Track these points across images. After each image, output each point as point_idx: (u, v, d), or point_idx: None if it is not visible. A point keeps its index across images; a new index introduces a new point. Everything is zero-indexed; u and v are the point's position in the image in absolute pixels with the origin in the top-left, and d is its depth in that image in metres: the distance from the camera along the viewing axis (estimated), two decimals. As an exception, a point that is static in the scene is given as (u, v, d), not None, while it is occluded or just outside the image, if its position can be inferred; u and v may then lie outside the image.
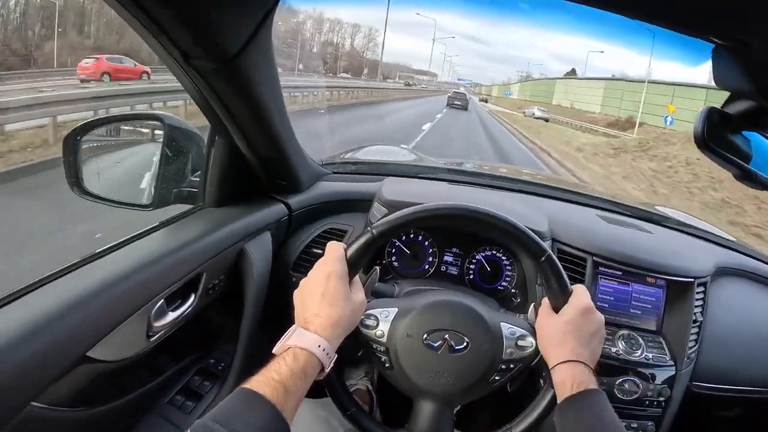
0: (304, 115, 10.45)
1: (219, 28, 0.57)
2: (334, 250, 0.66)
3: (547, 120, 26.54)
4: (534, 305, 0.78)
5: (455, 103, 22.27)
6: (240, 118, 0.75)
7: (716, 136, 0.54)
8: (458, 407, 1.08)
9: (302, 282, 0.65)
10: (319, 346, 0.57)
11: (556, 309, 0.67)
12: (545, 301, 0.69)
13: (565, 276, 0.68)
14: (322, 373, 0.59)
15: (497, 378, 0.68)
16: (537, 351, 0.67)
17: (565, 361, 0.62)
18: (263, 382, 0.52)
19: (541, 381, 0.69)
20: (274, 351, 0.58)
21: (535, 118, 26.64)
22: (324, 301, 0.61)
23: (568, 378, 0.61)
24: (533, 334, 0.69)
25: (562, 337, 0.64)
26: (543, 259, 0.67)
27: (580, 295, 0.67)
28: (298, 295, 0.64)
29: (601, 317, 0.67)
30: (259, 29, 0.60)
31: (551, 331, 0.66)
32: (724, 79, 0.48)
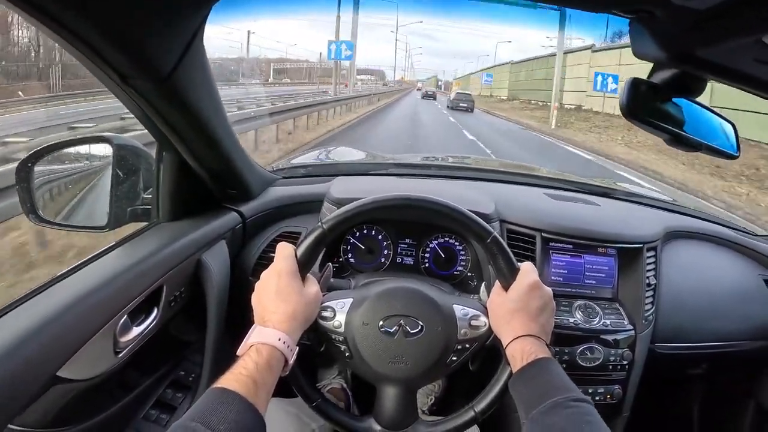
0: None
1: (151, 47, 0.59)
2: (283, 249, 0.68)
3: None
4: (485, 285, 0.81)
5: (460, 105, 18.61)
6: (183, 133, 0.76)
7: (645, 105, 0.57)
8: (438, 393, 1.09)
9: (257, 285, 0.68)
10: (279, 339, 0.60)
11: (506, 288, 0.69)
12: (497, 281, 0.71)
13: (512, 255, 0.70)
14: (286, 367, 0.61)
15: (454, 359, 0.69)
16: (490, 330, 0.69)
17: (515, 338, 0.65)
18: (232, 379, 0.54)
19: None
20: (237, 353, 0.60)
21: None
22: (278, 298, 0.64)
23: (518, 352, 0.63)
24: (485, 313, 0.71)
25: (511, 315, 0.66)
26: (489, 240, 0.69)
27: (526, 272, 0.69)
28: (255, 298, 0.67)
29: (549, 291, 0.69)
30: (190, 45, 0.62)
31: (501, 311, 0.68)
32: (642, 50, 0.50)
